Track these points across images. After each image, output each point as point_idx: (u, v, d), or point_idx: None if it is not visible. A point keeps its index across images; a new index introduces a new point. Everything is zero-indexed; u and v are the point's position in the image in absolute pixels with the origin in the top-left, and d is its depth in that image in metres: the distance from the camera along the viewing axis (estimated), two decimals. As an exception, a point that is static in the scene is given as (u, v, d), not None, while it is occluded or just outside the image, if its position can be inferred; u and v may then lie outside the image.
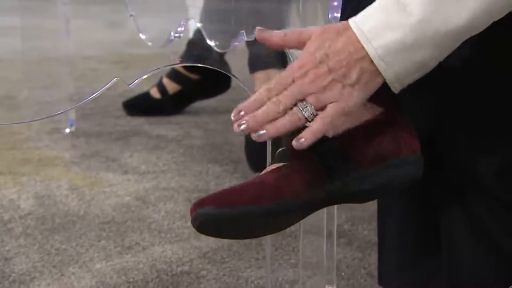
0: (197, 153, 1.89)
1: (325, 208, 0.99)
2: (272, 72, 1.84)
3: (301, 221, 1.01)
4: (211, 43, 1.36)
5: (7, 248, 1.38)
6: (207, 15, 1.98)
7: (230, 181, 1.70)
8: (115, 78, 0.92)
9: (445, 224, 0.91)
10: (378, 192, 0.83)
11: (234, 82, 2.20)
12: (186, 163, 1.81)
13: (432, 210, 0.92)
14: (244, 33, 1.22)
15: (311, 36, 0.79)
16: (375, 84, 0.78)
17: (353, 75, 0.77)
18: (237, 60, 2.04)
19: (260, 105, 0.78)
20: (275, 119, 0.77)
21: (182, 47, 2.12)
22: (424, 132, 0.87)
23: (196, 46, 2.09)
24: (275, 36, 0.82)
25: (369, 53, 0.76)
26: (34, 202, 1.58)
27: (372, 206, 1.43)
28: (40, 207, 1.56)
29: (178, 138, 2.00)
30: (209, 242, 1.41)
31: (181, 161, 1.82)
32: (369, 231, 1.44)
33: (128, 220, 1.50)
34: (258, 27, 0.83)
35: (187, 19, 1.49)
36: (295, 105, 0.77)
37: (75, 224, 1.48)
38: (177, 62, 2.10)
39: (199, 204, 0.78)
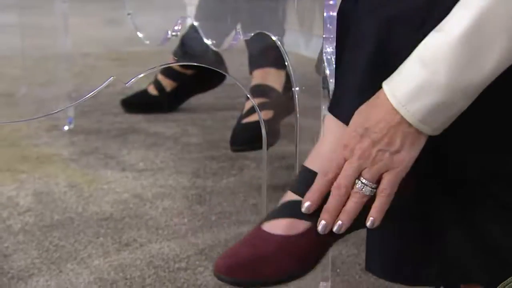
0: (194, 150, 1.90)
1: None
2: (269, 70, 1.84)
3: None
4: (207, 41, 1.37)
5: (5, 244, 1.39)
6: (202, 13, 1.99)
7: (227, 178, 1.71)
8: (112, 77, 0.93)
9: (442, 224, 0.91)
10: None
11: (229, 77, 2.21)
12: (184, 160, 1.82)
13: (429, 209, 0.92)
14: (240, 32, 1.23)
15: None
16: (420, 142, 0.81)
17: (397, 141, 0.80)
18: (235, 59, 2.04)
19: (321, 193, 0.83)
20: (343, 205, 0.82)
21: (179, 45, 2.13)
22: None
23: (190, 42, 2.09)
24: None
25: (407, 118, 0.79)
26: (33, 199, 1.59)
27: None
28: (39, 204, 1.57)
29: (176, 135, 2.01)
30: (206, 239, 1.42)
31: (179, 158, 1.83)
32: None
33: (126, 217, 1.51)
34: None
35: (184, 18, 1.50)
36: (354, 183, 0.82)
37: (74, 221, 1.49)
38: (174, 61, 2.10)
39: (220, 267, 0.85)
